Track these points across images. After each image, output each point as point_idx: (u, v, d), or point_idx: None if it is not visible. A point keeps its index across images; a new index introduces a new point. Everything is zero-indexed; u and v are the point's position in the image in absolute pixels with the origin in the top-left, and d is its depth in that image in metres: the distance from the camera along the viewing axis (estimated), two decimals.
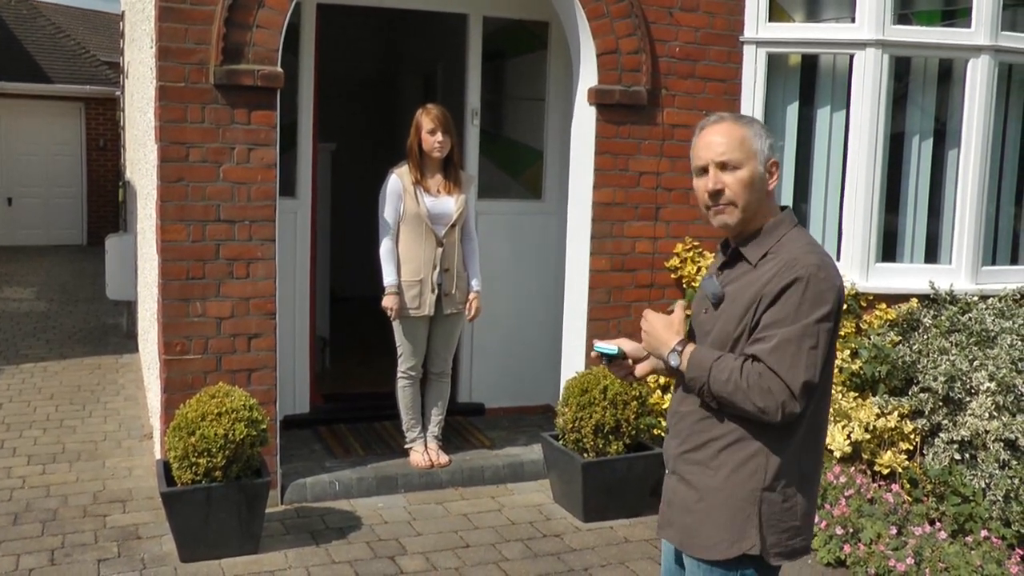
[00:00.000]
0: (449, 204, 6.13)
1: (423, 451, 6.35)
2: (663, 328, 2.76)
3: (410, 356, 6.24)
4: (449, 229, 6.13)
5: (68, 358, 9.79)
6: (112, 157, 19.80)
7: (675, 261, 6.55)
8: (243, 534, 5.17)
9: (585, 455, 5.79)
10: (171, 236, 5.47)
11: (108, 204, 19.92)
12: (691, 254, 6.55)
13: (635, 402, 5.83)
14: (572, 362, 6.59)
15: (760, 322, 2.62)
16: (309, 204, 6.85)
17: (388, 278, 6.05)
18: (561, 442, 5.95)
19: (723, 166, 2.74)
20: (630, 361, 2.97)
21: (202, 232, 5.51)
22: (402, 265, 6.09)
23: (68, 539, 5.35)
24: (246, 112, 5.49)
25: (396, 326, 6.21)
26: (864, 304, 6.62)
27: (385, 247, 6.07)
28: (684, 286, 6.56)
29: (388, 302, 6.06)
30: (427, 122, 6.05)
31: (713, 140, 2.77)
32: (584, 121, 6.41)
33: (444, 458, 6.37)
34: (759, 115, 6.63)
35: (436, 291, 6.11)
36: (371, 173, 6.70)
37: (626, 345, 2.95)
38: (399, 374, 6.29)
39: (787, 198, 6.83)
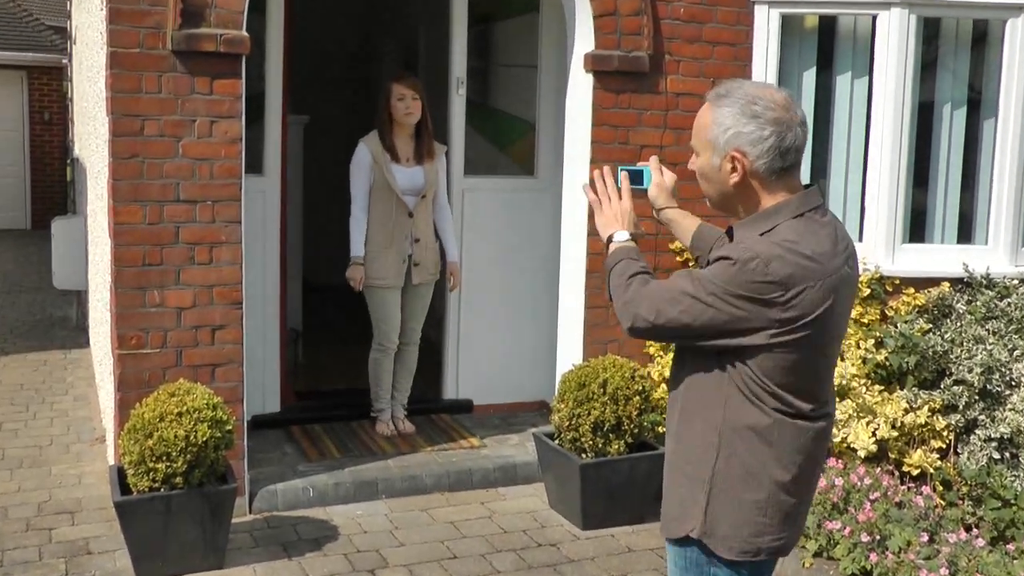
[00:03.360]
0: (419, 174, 6.57)
1: (388, 420, 6.91)
2: (616, 214, 3.08)
3: (383, 327, 6.70)
4: (420, 200, 6.58)
5: (10, 354, 9.72)
6: (58, 132, 19.71)
7: (680, 243, 6.45)
8: (207, 547, 5.12)
9: (583, 455, 5.80)
10: (125, 218, 5.42)
11: (54, 184, 19.81)
12: None
13: (637, 397, 5.82)
14: (568, 353, 6.58)
15: None
16: (279, 182, 6.83)
17: (353, 249, 6.49)
18: (557, 441, 5.96)
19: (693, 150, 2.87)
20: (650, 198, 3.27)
21: (160, 213, 5.48)
22: (372, 236, 6.53)
23: (8, 556, 5.30)
24: (208, 81, 5.46)
25: (368, 298, 6.64)
26: (889, 289, 6.61)
27: (354, 217, 6.52)
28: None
29: (351, 273, 6.50)
30: (397, 89, 6.46)
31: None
32: (580, 90, 6.39)
33: (409, 426, 6.92)
34: (771, 82, 6.58)
35: (407, 262, 6.60)
36: (347, 148, 6.65)
37: (666, 177, 3.26)
38: (373, 345, 6.78)
39: (803, 174, 6.76)
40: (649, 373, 6.09)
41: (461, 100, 7.12)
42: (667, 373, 5.83)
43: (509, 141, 7.61)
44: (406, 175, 6.55)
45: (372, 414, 6.98)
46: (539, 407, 7.58)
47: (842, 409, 5.88)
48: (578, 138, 6.46)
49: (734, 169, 2.75)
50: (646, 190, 3.24)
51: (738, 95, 2.75)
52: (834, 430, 5.73)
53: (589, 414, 5.77)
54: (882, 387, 6.11)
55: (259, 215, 6.70)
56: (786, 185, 2.77)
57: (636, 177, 3.19)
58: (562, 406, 5.89)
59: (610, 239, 3.02)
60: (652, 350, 6.43)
